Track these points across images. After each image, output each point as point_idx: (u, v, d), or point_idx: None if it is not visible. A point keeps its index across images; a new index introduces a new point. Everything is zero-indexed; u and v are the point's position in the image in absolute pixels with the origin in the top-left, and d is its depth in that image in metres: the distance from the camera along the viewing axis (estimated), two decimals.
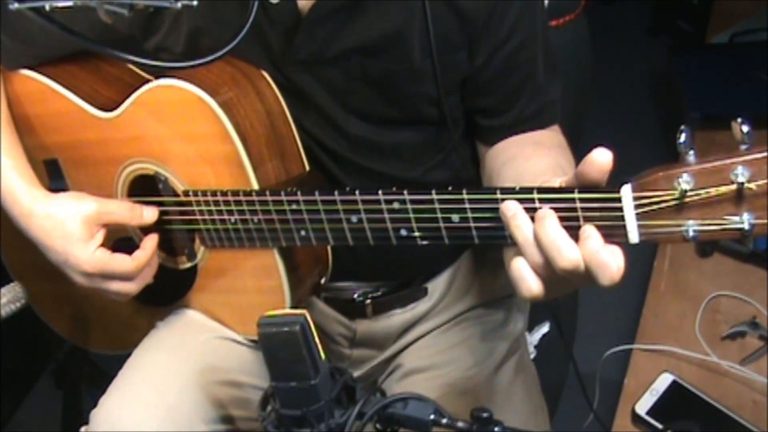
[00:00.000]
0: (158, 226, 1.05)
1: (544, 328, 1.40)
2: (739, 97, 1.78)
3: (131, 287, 1.03)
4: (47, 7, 0.72)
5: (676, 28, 2.83)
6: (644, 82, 2.89)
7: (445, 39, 0.96)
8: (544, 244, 0.71)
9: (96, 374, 1.65)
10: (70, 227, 1.01)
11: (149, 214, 1.04)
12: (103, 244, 1.02)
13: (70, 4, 0.72)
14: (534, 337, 1.39)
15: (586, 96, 1.42)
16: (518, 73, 1.02)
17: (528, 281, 0.74)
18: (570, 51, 1.24)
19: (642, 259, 1.45)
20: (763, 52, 1.87)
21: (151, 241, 1.04)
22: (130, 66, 1.13)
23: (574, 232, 0.72)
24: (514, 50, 0.99)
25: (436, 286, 1.18)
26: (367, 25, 0.96)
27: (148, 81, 1.01)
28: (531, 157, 0.96)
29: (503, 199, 0.76)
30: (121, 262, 1.01)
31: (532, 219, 0.73)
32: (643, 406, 1.16)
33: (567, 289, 0.74)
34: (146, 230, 1.06)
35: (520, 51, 1.00)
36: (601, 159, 0.70)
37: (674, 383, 1.19)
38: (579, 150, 1.08)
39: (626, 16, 3.20)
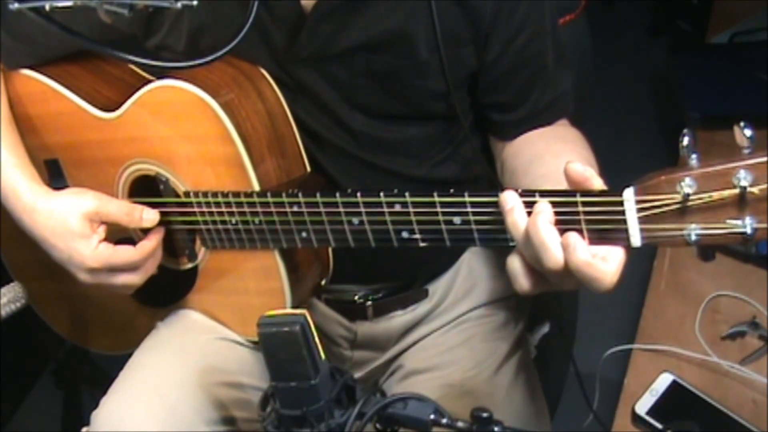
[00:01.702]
0: (159, 226, 1.05)
1: (545, 328, 1.40)
2: (739, 97, 1.78)
3: (135, 279, 1.03)
4: (47, 7, 0.72)
5: (676, 28, 2.83)
6: (644, 82, 2.89)
7: (450, 34, 0.96)
8: (534, 242, 0.72)
9: (96, 374, 1.65)
10: (71, 223, 1.00)
11: (148, 217, 1.04)
12: (105, 239, 1.02)
13: (70, 4, 0.72)
14: (534, 337, 1.39)
15: (586, 96, 1.42)
16: (529, 67, 1.02)
17: (520, 278, 0.75)
18: (570, 51, 1.24)
19: (642, 259, 1.44)
20: (763, 52, 1.86)
21: (157, 233, 1.04)
22: (132, 66, 1.13)
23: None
24: (525, 44, 0.99)
25: (437, 287, 1.18)
26: (371, 22, 0.96)
27: (149, 81, 1.01)
28: (559, 155, 0.95)
29: None
30: (124, 253, 1.01)
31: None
32: (643, 406, 1.16)
33: (564, 285, 0.75)
34: (147, 229, 1.06)
35: (530, 45, 1.00)
36: (572, 171, 0.74)
37: (674, 383, 1.18)
38: None
39: (626, 16, 3.19)
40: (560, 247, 0.71)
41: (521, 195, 0.75)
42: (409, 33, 0.96)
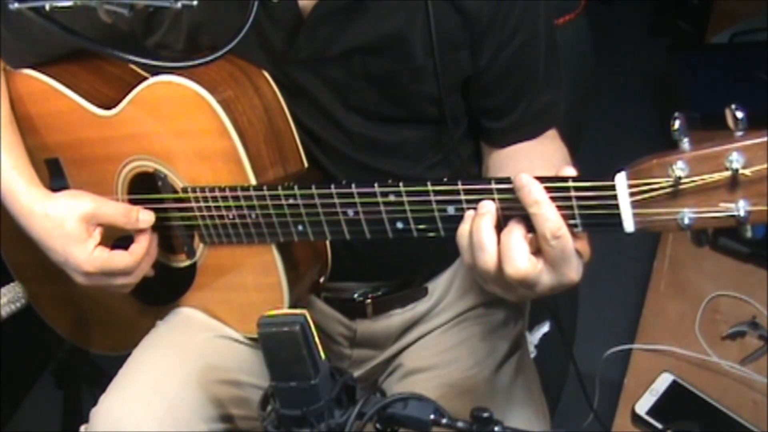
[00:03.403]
0: (158, 224, 1.05)
1: (545, 328, 1.40)
2: (739, 97, 1.77)
3: (131, 280, 1.04)
4: (47, 7, 0.72)
5: (676, 28, 2.83)
6: (644, 82, 2.89)
7: (447, 38, 0.96)
8: (473, 241, 0.76)
9: (96, 374, 1.65)
10: (67, 227, 1.01)
11: (145, 219, 1.04)
12: (102, 243, 1.02)
13: (70, 4, 0.72)
14: (534, 337, 1.39)
15: (586, 96, 1.42)
16: (520, 73, 1.02)
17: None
18: (570, 51, 1.24)
19: (642, 259, 1.44)
20: (763, 52, 1.87)
21: (145, 233, 1.04)
22: (130, 64, 1.14)
23: (570, 222, 0.73)
24: (517, 50, 0.99)
25: (437, 286, 1.18)
26: (369, 25, 0.96)
27: (146, 78, 1.01)
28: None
29: (498, 189, 0.77)
30: (119, 258, 1.02)
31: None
32: (643, 406, 1.16)
33: (508, 295, 0.79)
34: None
35: (522, 51, 1.00)
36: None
37: (674, 383, 1.19)
38: (579, 150, 1.08)
39: (626, 16, 3.19)
40: (495, 250, 0.75)
41: (508, 182, 0.76)
42: (406, 36, 0.96)
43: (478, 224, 0.77)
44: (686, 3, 2.74)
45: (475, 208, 0.80)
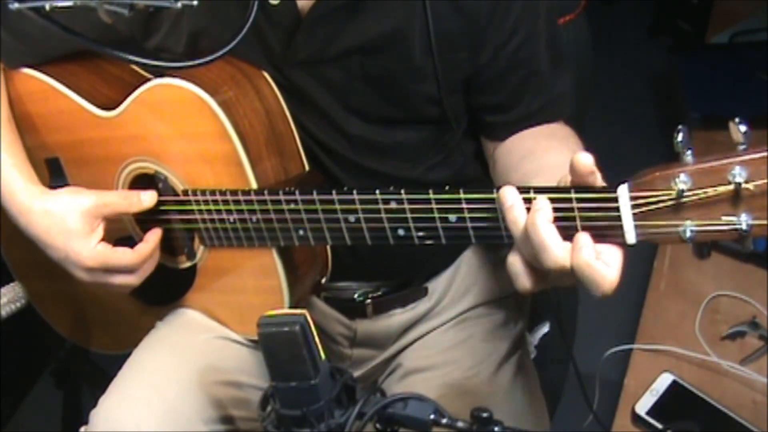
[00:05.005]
0: (158, 225, 1.05)
1: (545, 328, 1.40)
2: (739, 97, 1.78)
3: (132, 280, 1.03)
4: (47, 7, 0.72)
5: (676, 28, 2.84)
6: (644, 82, 2.89)
7: (446, 38, 0.96)
8: (533, 241, 0.72)
9: (96, 374, 1.65)
10: (69, 222, 1.00)
11: (147, 199, 1.03)
12: (103, 239, 1.02)
13: (70, 4, 0.72)
14: (534, 337, 1.39)
15: (586, 96, 1.42)
16: (522, 70, 1.02)
17: (522, 277, 0.75)
18: (570, 51, 1.24)
19: (642, 259, 1.44)
20: (763, 52, 1.87)
21: (154, 235, 1.04)
22: (131, 65, 1.13)
23: (571, 233, 0.72)
24: (517, 48, 0.99)
25: (437, 285, 1.18)
26: (367, 24, 0.96)
27: (148, 80, 1.01)
28: (549, 150, 0.96)
29: None
30: (122, 255, 1.01)
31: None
32: (643, 406, 1.16)
33: (563, 283, 0.74)
34: (146, 228, 1.06)
35: (522, 48, 1.00)
36: (579, 162, 0.71)
37: (674, 383, 1.18)
38: None
39: (626, 16, 3.20)
40: (560, 246, 0.71)
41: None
42: (405, 36, 0.96)
43: (534, 221, 0.72)
44: (686, 3, 2.74)
45: (475, 218, 0.80)
